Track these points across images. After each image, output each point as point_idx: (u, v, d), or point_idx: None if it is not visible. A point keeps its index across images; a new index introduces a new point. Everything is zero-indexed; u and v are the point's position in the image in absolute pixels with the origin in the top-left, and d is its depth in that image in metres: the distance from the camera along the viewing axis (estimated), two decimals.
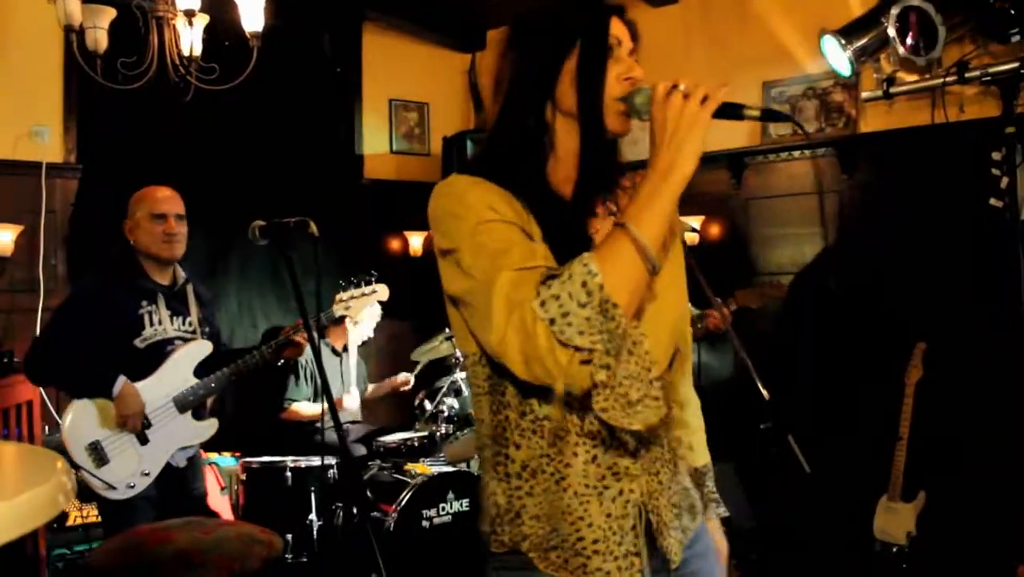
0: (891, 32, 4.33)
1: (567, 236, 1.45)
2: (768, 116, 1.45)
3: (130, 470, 3.12)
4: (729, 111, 1.40)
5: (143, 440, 3.17)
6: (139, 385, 3.15)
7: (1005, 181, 3.98)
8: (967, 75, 4.18)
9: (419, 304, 5.46)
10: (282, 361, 3.44)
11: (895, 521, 4.20)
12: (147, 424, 3.16)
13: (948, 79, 4.27)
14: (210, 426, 3.37)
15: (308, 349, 3.16)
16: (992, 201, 4.01)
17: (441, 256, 1.47)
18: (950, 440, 4.27)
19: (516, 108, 1.53)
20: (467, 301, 1.41)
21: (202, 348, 3.35)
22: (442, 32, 6.41)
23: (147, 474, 3.15)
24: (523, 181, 1.48)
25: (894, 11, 4.32)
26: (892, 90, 4.52)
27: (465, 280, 1.40)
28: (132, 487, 3.12)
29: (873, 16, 4.51)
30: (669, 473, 1.57)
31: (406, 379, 5.01)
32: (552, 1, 1.59)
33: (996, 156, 4.01)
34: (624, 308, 1.30)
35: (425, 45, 6.42)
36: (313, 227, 2.63)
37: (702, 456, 1.81)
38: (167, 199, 3.30)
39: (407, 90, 6.35)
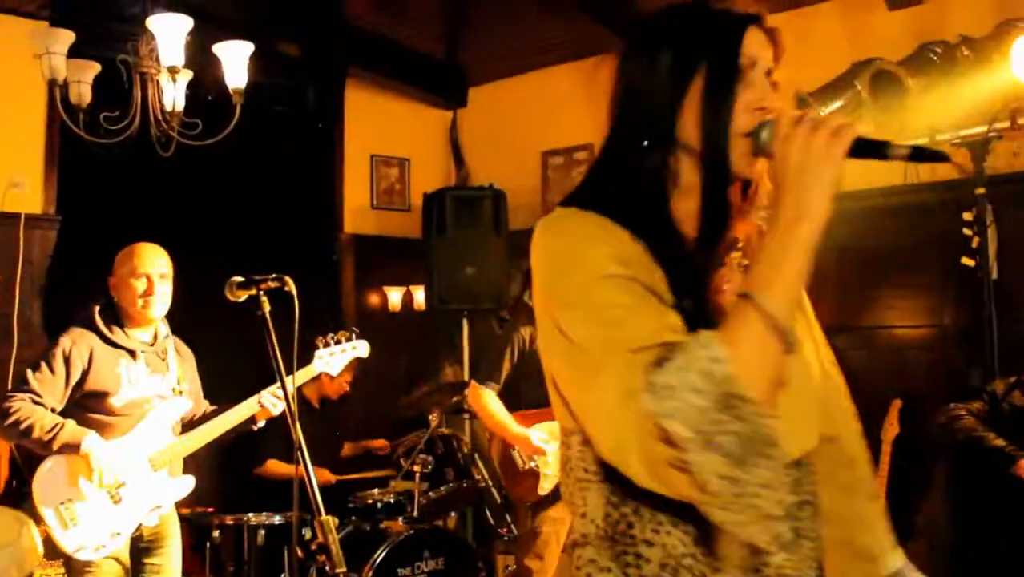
0: (864, 94, 4.42)
1: (693, 288, 1.21)
2: (920, 156, 1.17)
3: (101, 531, 3.06)
4: (869, 149, 1.16)
5: (116, 499, 3.12)
6: (114, 443, 3.11)
7: (976, 241, 4.05)
8: (938, 137, 4.26)
9: (398, 360, 5.49)
10: (259, 425, 3.42)
11: None
12: (120, 484, 3.11)
13: (920, 141, 4.36)
14: (185, 484, 3.33)
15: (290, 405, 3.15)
16: (964, 260, 4.08)
17: (543, 310, 1.24)
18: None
19: (633, 134, 1.29)
20: (570, 377, 1.20)
21: (180, 406, 3.32)
22: (424, 89, 6.48)
23: (118, 534, 3.09)
24: (644, 218, 1.23)
25: (866, 74, 4.42)
26: None
27: (570, 350, 1.17)
28: (103, 547, 3.06)
29: (846, 78, 4.61)
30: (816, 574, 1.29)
31: (382, 444, 4.99)
32: (675, 6, 1.33)
33: (967, 216, 4.09)
34: (757, 401, 1.05)
35: (407, 101, 6.49)
36: (290, 284, 2.63)
37: (891, 556, 1.49)
38: (150, 258, 3.27)
39: (388, 146, 6.40)
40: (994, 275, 4.03)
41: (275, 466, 4.59)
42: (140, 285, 3.22)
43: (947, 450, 3.71)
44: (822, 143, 1.13)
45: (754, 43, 1.27)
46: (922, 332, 4.60)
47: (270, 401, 3.29)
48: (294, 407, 2.42)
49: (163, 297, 3.28)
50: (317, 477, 4.37)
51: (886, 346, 4.67)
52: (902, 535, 4.28)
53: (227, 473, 4.77)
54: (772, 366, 1.08)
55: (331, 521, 2.23)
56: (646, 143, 1.27)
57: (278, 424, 4.66)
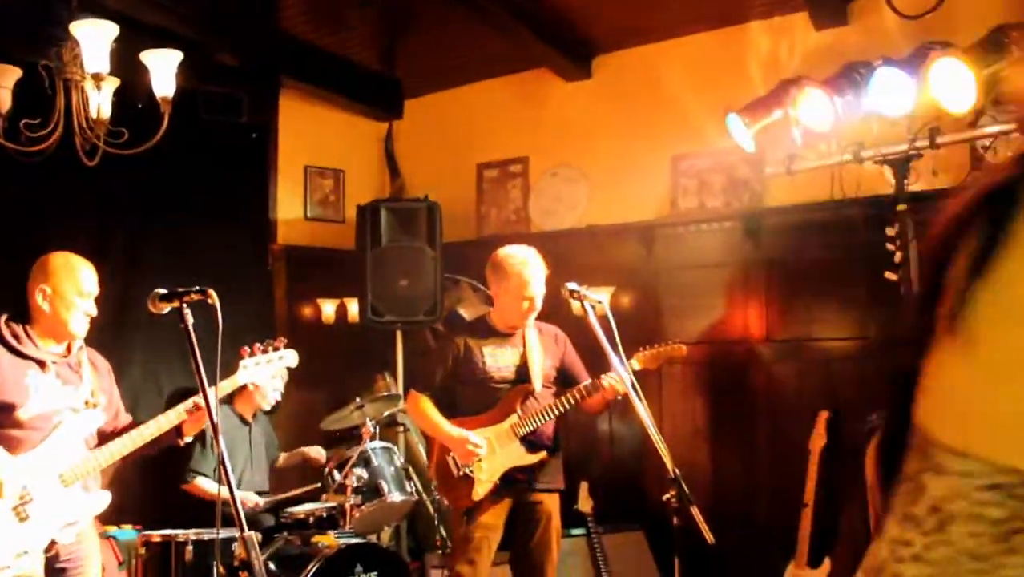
0: (791, 112, 4.51)
1: None
2: None
3: (6, 550, 2.94)
4: None
5: (22, 517, 3.01)
6: (21, 458, 3.00)
7: (899, 256, 4.15)
8: (863, 155, 4.38)
9: (331, 372, 5.44)
10: (186, 440, 3.35)
11: None
12: (27, 500, 3.01)
13: (845, 158, 4.47)
14: (100, 499, 3.23)
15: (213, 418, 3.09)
16: (887, 274, 4.18)
17: None
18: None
19: None
20: None
21: (93, 419, 3.23)
22: (359, 100, 6.45)
23: (25, 553, 2.99)
24: None
25: (794, 91, 4.52)
26: (794, 167, 4.70)
27: None
28: (7, 568, 2.95)
29: (775, 95, 4.71)
30: None
31: (319, 455, 4.92)
32: None
33: (890, 232, 4.19)
34: None
35: (342, 112, 6.45)
36: (213, 296, 2.59)
37: None
38: (94, 279, 3.23)
39: (323, 157, 6.36)
40: (915, 288, 4.13)
41: (203, 484, 4.51)
42: (86, 305, 3.17)
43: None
44: None
45: None
46: (849, 344, 4.70)
47: (189, 415, 3.21)
48: (216, 419, 2.37)
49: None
50: (245, 504, 4.35)
51: (814, 358, 4.77)
52: (829, 543, 4.39)
53: (154, 488, 4.68)
54: None
55: (254, 537, 2.19)
56: None
57: (210, 440, 4.60)
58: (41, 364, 3.14)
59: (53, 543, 3.08)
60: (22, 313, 3.19)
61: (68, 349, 3.25)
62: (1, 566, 2.94)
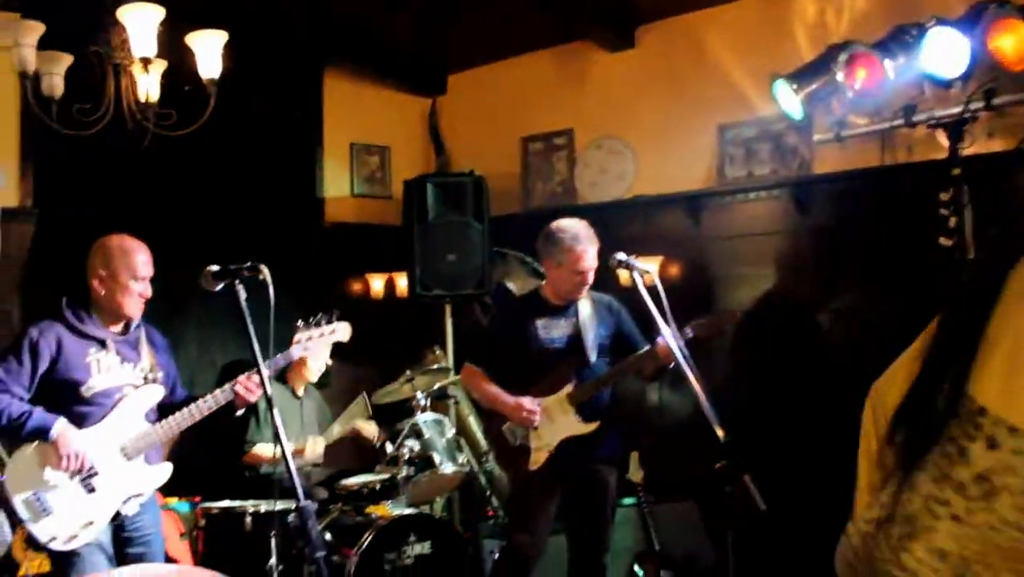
0: (840, 77, 4.43)
1: None
2: None
3: (73, 521, 3.06)
4: None
5: (89, 489, 3.12)
6: (85, 432, 3.11)
7: (953, 221, 4.07)
8: (914, 119, 4.28)
9: (380, 347, 5.49)
10: (239, 412, 3.41)
11: None
12: (93, 472, 3.11)
13: (896, 123, 4.38)
14: (162, 471, 3.32)
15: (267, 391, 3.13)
16: (941, 240, 4.10)
17: None
18: None
19: None
20: None
21: (153, 393, 3.32)
22: (403, 77, 6.47)
23: (91, 524, 3.09)
24: None
25: (842, 56, 4.44)
26: (843, 133, 4.62)
27: None
28: (75, 537, 3.05)
29: (823, 61, 4.62)
30: None
31: (371, 431, 4.97)
32: None
33: (944, 197, 4.11)
34: None
35: (386, 89, 6.48)
36: (265, 272, 2.63)
37: None
38: (149, 262, 3.31)
39: (368, 134, 6.39)
40: (971, 255, 4.06)
41: (261, 450, 4.59)
42: (141, 288, 3.26)
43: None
44: None
45: None
46: (902, 312, 4.62)
47: (243, 389, 3.28)
48: (270, 392, 2.41)
49: None
50: (301, 451, 4.44)
51: (866, 326, 4.70)
52: None
53: (214, 461, 4.77)
54: None
55: (311, 507, 2.24)
56: None
57: (264, 412, 4.67)
58: (102, 343, 3.23)
59: (118, 514, 3.18)
60: (81, 294, 3.28)
61: (127, 328, 3.34)
62: (68, 535, 3.04)
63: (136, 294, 3.25)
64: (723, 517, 3.37)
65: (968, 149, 4.17)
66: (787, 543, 4.50)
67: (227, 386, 3.32)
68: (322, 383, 5.00)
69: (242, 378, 3.28)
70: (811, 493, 4.58)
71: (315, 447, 4.63)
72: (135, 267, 3.25)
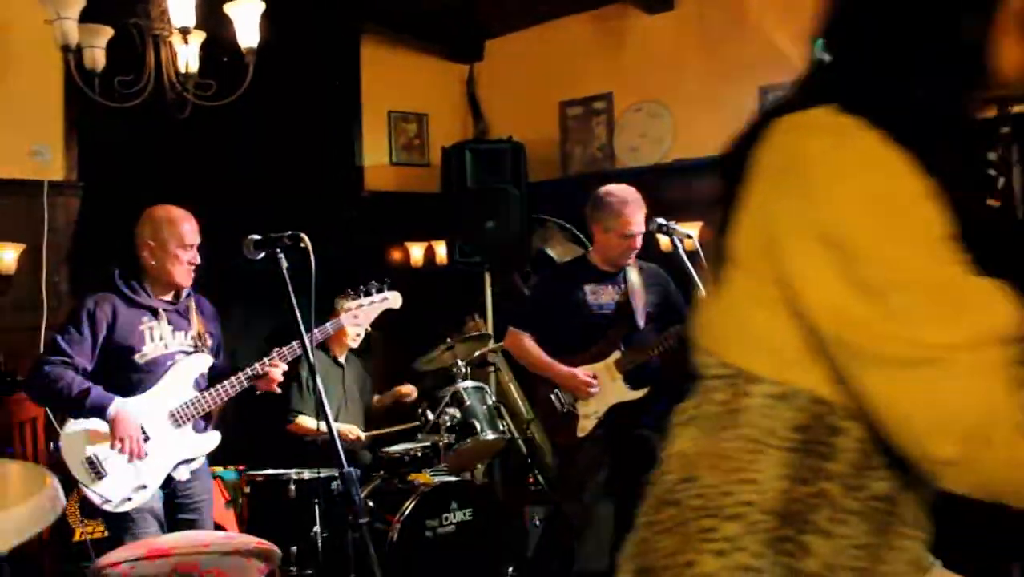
0: None
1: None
2: None
3: (126, 484, 3.14)
4: None
5: (140, 454, 3.19)
6: (137, 399, 3.18)
7: (1002, 181, 3.98)
8: None
9: (421, 315, 5.51)
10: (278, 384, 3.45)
11: None
12: (145, 438, 3.18)
13: None
14: (211, 439, 3.39)
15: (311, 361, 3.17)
16: (990, 201, 4.02)
17: (829, 250, 0.99)
18: None
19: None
20: (882, 357, 0.97)
21: (202, 361, 3.38)
22: (440, 43, 6.45)
23: (144, 487, 3.16)
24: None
25: None
26: None
27: (887, 320, 0.96)
28: (129, 500, 3.13)
29: None
30: None
31: (410, 390, 5.02)
32: None
33: (992, 157, 4.02)
34: None
35: (423, 56, 6.46)
36: (306, 240, 2.65)
37: None
38: (195, 230, 3.38)
39: (406, 102, 6.39)
40: (1020, 216, 3.97)
41: (305, 421, 4.65)
42: (189, 256, 3.32)
43: None
44: None
45: None
46: None
47: (277, 362, 3.34)
48: (313, 361, 2.44)
49: None
50: (347, 436, 4.48)
51: None
52: None
53: (258, 429, 4.84)
54: None
55: (353, 474, 2.27)
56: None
57: (306, 381, 4.73)
58: (154, 312, 3.30)
59: (170, 479, 3.26)
60: (131, 265, 3.34)
61: (177, 297, 3.40)
62: (122, 497, 3.12)
63: (185, 262, 3.32)
64: None
65: (1018, 107, 4.07)
66: None
67: (266, 359, 3.38)
68: (362, 348, 5.03)
69: (276, 352, 3.34)
70: None
71: (357, 431, 4.66)
72: (182, 235, 3.31)
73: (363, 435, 4.64)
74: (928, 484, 1.05)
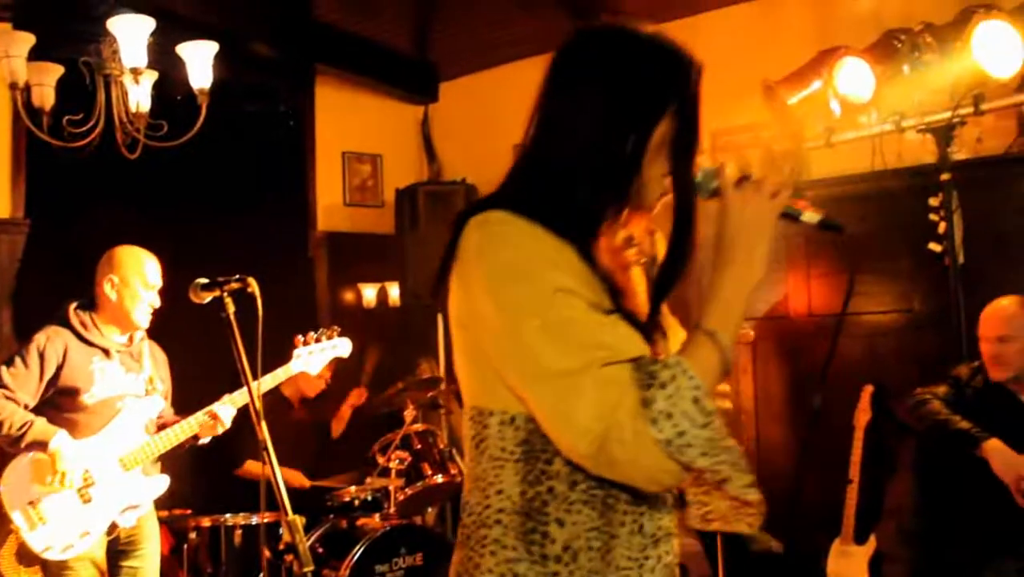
0: (830, 83, 4.45)
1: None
2: (827, 226, 1.49)
3: (70, 530, 3.06)
4: (788, 214, 1.43)
5: (85, 499, 3.11)
6: (84, 442, 3.12)
7: (943, 226, 4.08)
8: (904, 124, 4.30)
9: (373, 357, 5.48)
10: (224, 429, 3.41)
11: (848, 565, 4.22)
12: (90, 482, 3.11)
13: (886, 128, 4.39)
14: (158, 484, 3.33)
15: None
16: (931, 245, 4.11)
17: (481, 308, 1.32)
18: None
19: (587, 157, 1.34)
20: (529, 376, 1.28)
21: (153, 405, 3.33)
22: (394, 84, 6.47)
23: (87, 534, 3.09)
24: (585, 234, 1.34)
25: (833, 61, 4.45)
26: (834, 138, 4.63)
27: (526, 358, 1.27)
28: (71, 547, 3.06)
29: (813, 66, 4.64)
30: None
31: (359, 394, 4.99)
32: (632, 34, 1.41)
33: (934, 202, 4.12)
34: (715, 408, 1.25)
35: (377, 97, 6.47)
36: (253, 285, 2.63)
37: None
38: (159, 272, 3.36)
39: (360, 143, 6.39)
40: (961, 260, 4.07)
41: (253, 466, 4.58)
42: (150, 296, 3.28)
43: (914, 434, 3.75)
44: (764, 207, 1.37)
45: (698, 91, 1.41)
46: (892, 317, 4.64)
47: (224, 412, 3.30)
48: (259, 406, 2.41)
49: None
50: (291, 480, 4.42)
51: (857, 332, 4.71)
52: (873, 518, 4.34)
53: (205, 474, 4.76)
54: (714, 385, 1.29)
55: (298, 521, 2.23)
56: (600, 169, 1.34)
57: (270, 418, 4.65)
58: (106, 352, 3.25)
59: (115, 525, 3.18)
60: (85, 305, 3.29)
61: (131, 339, 3.35)
62: (65, 545, 3.04)
63: (146, 303, 3.28)
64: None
65: (957, 154, 4.19)
66: (777, 552, 4.51)
67: (225, 397, 3.34)
68: (316, 398, 5.00)
69: (222, 401, 3.31)
70: (802, 503, 4.59)
71: (301, 478, 4.61)
72: (146, 274, 3.30)
73: (307, 483, 4.60)
74: None
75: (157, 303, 3.33)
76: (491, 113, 6.29)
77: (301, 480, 4.56)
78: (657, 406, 1.21)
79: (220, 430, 3.37)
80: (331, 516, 4.30)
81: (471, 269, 1.34)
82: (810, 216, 1.45)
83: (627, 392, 1.23)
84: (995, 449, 3.14)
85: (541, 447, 1.33)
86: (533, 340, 1.25)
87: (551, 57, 1.48)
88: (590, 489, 1.33)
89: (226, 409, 3.34)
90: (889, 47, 4.34)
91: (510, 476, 1.35)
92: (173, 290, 4.89)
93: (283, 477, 4.46)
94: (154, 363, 3.44)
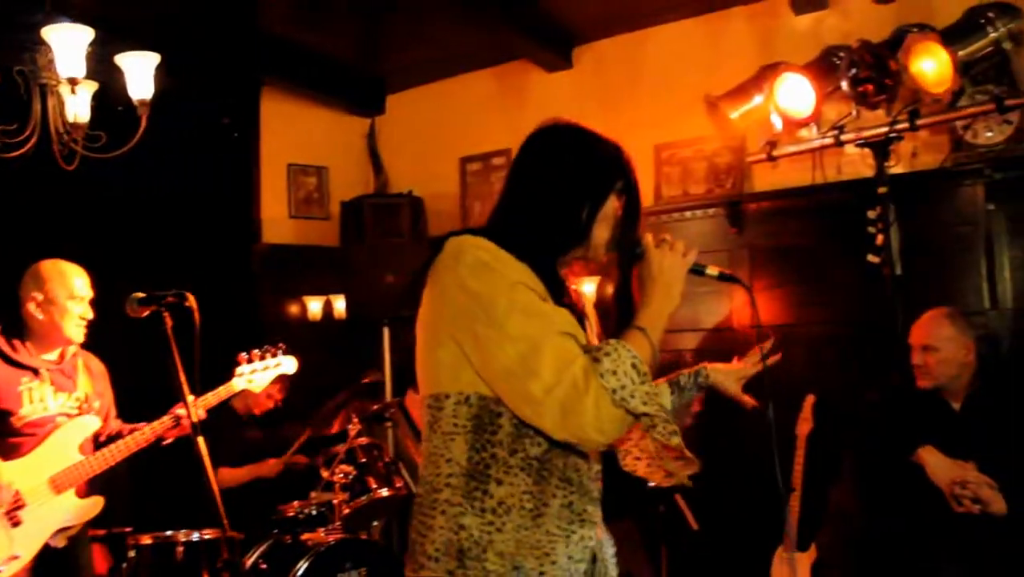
0: (770, 98, 4.52)
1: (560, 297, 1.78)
2: (724, 278, 1.93)
3: None
4: (696, 269, 1.86)
5: (14, 522, 3.03)
6: (14, 464, 3.03)
7: (880, 238, 4.16)
8: (843, 139, 4.39)
9: (318, 370, 5.43)
10: (167, 441, 3.36)
11: (791, 572, 4.27)
12: (19, 505, 3.03)
13: (825, 142, 4.48)
14: (92, 505, 3.24)
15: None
16: (870, 257, 4.19)
17: (455, 302, 1.67)
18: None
19: (549, 221, 1.78)
20: (494, 348, 1.62)
21: (87, 424, 3.25)
22: (341, 97, 6.44)
23: (16, 558, 3.00)
24: (543, 266, 1.73)
25: (774, 78, 4.52)
26: (775, 152, 4.71)
27: (494, 327, 1.61)
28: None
29: (755, 82, 4.71)
30: (603, 527, 1.82)
31: (303, 460, 4.91)
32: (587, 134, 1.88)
33: (871, 214, 4.21)
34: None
35: (324, 109, 6.44)
36: (191, 300, 2.60)
37: None
38: (87, 283, 3.26)
39: (306, 154, 6.34)
40: (898, 271, 4.15)
41: (224, 474, 4.52)
42: (80, 309, 3.19)
43: (853, 442, 3.81)
44: (678, 261, 1.81)
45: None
46: (833, 328, 4.71)
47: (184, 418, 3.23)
48: (195, 417, 2.38)
49: None
50: (268, 471, 4.41)
51: (799, 343, 4.77)
52: (815, 525, 4.39)
53: (148, 491, 4.67)
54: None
55: (235, 538, 2.20)
56: (560, 229, 1.78)
57: (221, 431, 4.57)
58: (35, 371, 3.16)
59: (46, 548, 3.10)
60: (13, 322, 3.20)
61: (61, 356, 3.27)
62: None
63: (76, 316, 3.19)
64: (657, 535, 3.40)
65: (894, 168, 4.28)
66: (718, 561, 4.54)
67: (165, 418, 3.28)
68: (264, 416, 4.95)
69: (169, 416, 3.25)
70: (745, 512, 4.63)
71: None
72: (72, 288, 3.20)
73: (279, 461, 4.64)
74: (571, 452, 1.70)
75: (89, 315, 3.24)
76: (437, 126, 6.30)
77: (270, 466, 4.55)
78: (603, 365, 1.59)
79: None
80: (275, 531, 4.25)
81: (447, 271, 1.69)
82: (712, 271, 1.89)
83: (579, 355, 1.60)
84: (929, 456, 3.20)
85: (489, 420, 1.67)
86: (500, 314, 1.61)
87: (523, 143, 1.91)
88: (528, 458, 1.67)
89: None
90: (828, 63, 4.44)
91: (460, 446, 1.68)
92: (114, 306, 4.84)
93: (261, 471, 4.48)
94: (90, 378, 3.35)
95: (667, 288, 1.77)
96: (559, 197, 1.78)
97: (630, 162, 1.87)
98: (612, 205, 1.81)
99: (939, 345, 3.39)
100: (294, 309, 6.20)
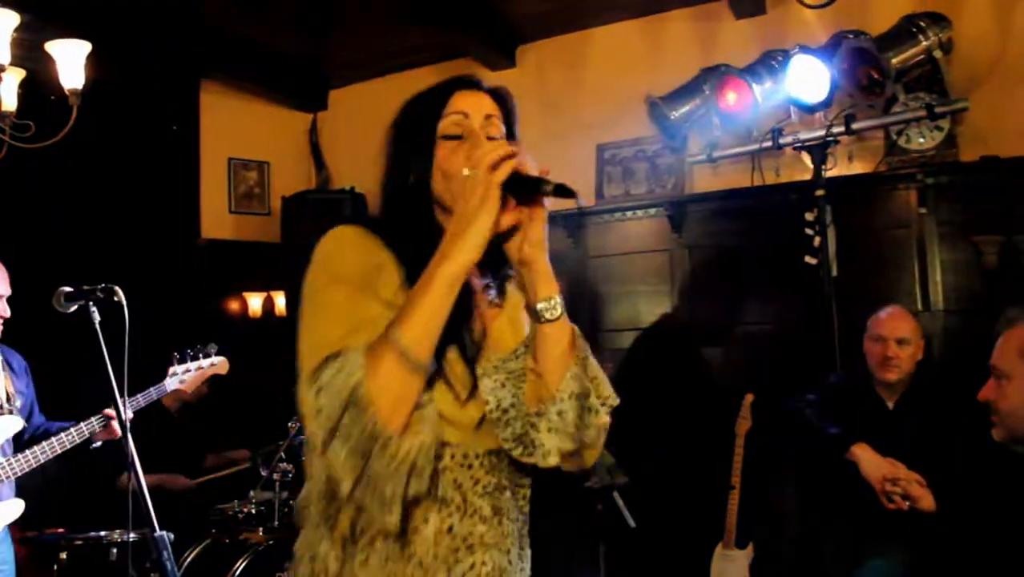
0: (711, 100, 4.58)
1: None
2: (560, 192, 1.43)
3: None
4: (525, 184, 1.41)
5: None
6: None
7: (818, 240, 4.24)
8: (781, 141, 4.46)
9: (258, 367, 5.36)
10: (96, 444, 3.29)
11: (730, 569, 4.33)
12: None
13: (764, 144, 4.55)
14: (12, 508, 3.15)
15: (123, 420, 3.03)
16: (807, 259, 4.27)
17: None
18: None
19: (399, 185, 1.60)
20: (302, 349, 1.44)
21: (8, 425, 3.15)
22: (283, 91, 6.37)
23: None
24: (404, 237, 1.52)
25: (714, 80, 4.58)
26: (715, 154, 4.77)
27: (304, 329, 1.46)
28: None
29: (696, 84, 4.77)
30: (517, 551, 1.55)
31: (245, 455, 4.84)
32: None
33: (809, 217, 4.28)
34: (381, 410, 1.32)
35: (265, 104, 6.36)
36: (120, 294, 2.54)
37: None
38: (5, 280, 3.16)
39: (247, 149, 6.26)
40: (834, 272, 4.23)
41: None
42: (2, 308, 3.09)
43: (790, 442, 3.87)
44: (480, 184, 1.37)
45: (466, 102, 1.58)
46: (771, 328, 4.78)
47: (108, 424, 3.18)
48: (125, 416, 2.33)
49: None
50: (173, 483, 4.30)
51: (738, 342, 4.84)
52: (754, 522, 4.45)
53: (81, 490, 4.56)
54: (401, 384, 1.34)
55: (166, 537, 2.16)
56: (407, 192, 1.57)
57: (147, 433, 4.50)
58: None
59: None
60: None
61: None
62: None
63: (2, 315, 3.10)
64: (596, 533, 3.42)
65: (831, 171, 4.36)
66: (657, 559, 4.59)
67: (92, 420, 3.20)
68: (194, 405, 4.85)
69: (100, 417, 3.18)
70: (684, 510, 4.69)
71: (182, 480, 4.51)
72: None
73: (192, 482, 4.50)
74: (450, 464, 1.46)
75: (6, 313, 3.15)
76: (380, 122, 6.15)
77: (183, 481, 4.46)
78: (321, 378, 1.35)
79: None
80: (213, 530, 4.18)
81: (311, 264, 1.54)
82: (547, 185, 1.44)
83: (313, 369, 1.38)
84: (862, 452, 3.26)
85: None
86: (303, 317, 1.47)
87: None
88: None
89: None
90: (767, 67, 4.51)
91: (317, 463, 1.42)
92: (40, 300, 4.72)
93: (165, 482, 4.40)
94: (11, 375, 3.26)
95: (455, 239, 1.38)
96: (392, 165, 1.62)
97: (450, 84, 1.61)
98: (443, 155, 1.54)
99: (912, 339, 3.48)
100: (234, 306, 6.11)
